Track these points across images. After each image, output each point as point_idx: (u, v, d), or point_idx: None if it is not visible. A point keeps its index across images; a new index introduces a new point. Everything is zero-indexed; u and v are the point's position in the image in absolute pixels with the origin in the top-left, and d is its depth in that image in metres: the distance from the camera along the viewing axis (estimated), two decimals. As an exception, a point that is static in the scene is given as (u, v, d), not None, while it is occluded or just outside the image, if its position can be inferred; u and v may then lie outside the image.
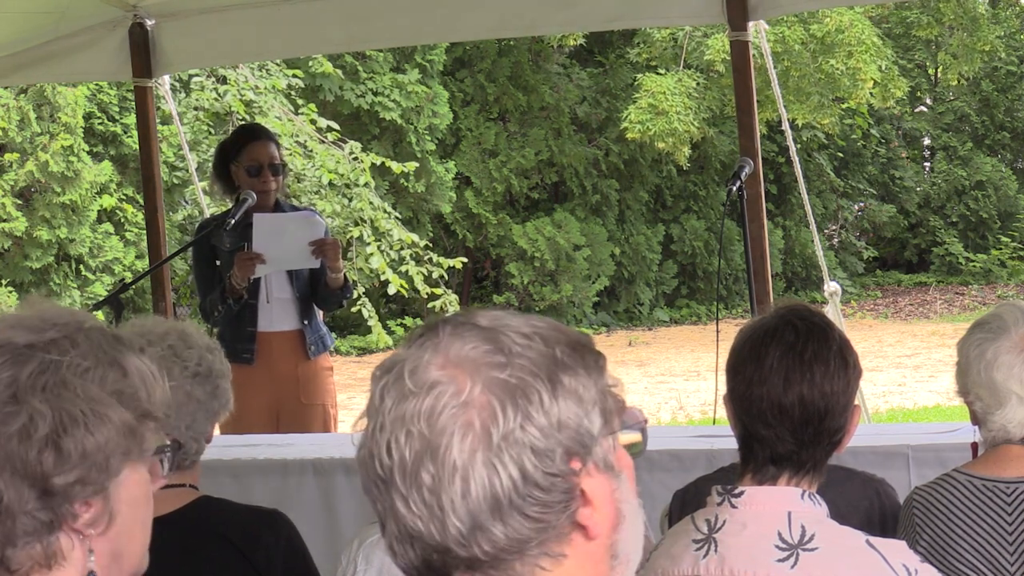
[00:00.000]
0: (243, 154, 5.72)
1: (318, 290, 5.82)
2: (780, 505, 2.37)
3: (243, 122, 14.48)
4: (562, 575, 1.44)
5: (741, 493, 2.40)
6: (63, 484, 1.63)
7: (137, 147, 8.20)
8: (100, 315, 6.19)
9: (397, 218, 15.64)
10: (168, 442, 1.77)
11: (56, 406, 1.63)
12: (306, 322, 5.81)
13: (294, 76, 16.46)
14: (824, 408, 2.47)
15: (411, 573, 1.46)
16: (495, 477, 1.40)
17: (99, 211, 16.63)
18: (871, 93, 20.17)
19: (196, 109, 15.61)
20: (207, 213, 7.94)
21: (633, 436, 1.52)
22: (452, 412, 1.40)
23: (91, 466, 1.64)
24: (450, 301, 15.27)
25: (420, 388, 1.42)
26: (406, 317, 19.47)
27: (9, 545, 1.63)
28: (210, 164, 6.61)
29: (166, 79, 6.63)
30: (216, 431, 3.03)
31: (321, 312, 5.96)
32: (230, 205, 5.81)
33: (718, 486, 2.44)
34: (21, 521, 1.62)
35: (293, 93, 16.69)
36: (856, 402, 2.56)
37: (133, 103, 8.20)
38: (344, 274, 5.76)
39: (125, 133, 16.77)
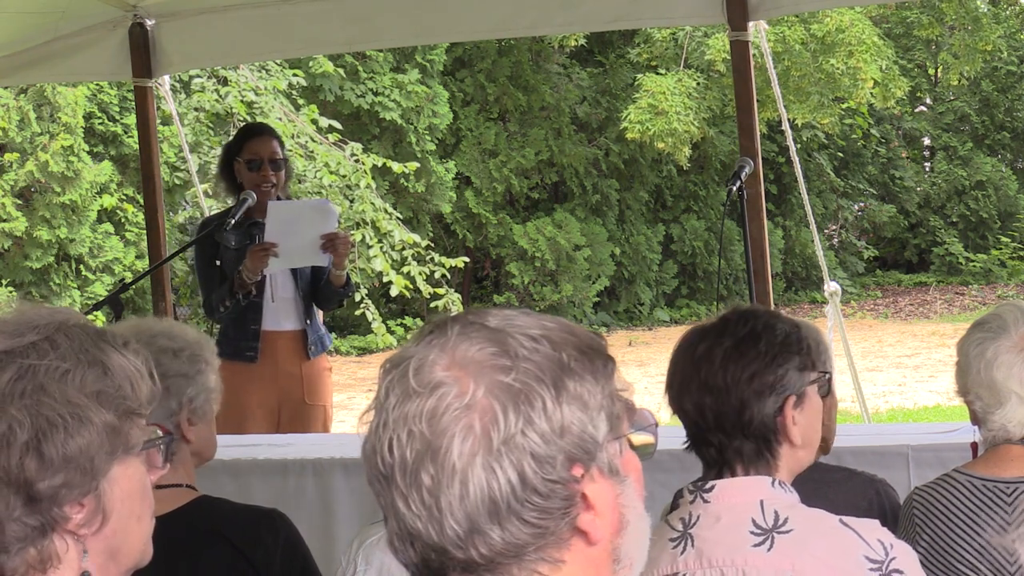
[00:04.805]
0: (244, 149, 5.71)
1: (320, 288, 5.80)
2: (752, 495, 2.38)
3: (244, 123, 14.48)
4: None
5: (712, 488, 2.41)
6: (48, 489, 1.63)
7: (137, 147, 8.20)
8: (100, 315, 6.19)
9: (398, 218, 15.64)
10: (160, 434, 1.77)
11: (35, 412, 1.64)
12: (308, 322, 5.80)
13: (294, 75, 16.45)
14: (716, 404, 2.44)
15: (411, 570, 1.46)
16: (493, 481, 1.39)
17: (99, 211, 16.62)
18: (871, 93, 20.16)
19: (197, 110, 15.61)
20: (208, 214, 7.93)
21: (646, 438, 1.51)
22: (454, 414, 1.40)
23: (75, 469, 1.64)
24: (453, 300, 15.26)
25: (424, 388, 1.42)
26: (407, 317, 19.46)
27: (2, 552, 1.63)
28: (211, 165, 6.60)
29: (166, 79, 6.64)
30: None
31: (321, 312, 5.94)
32: (231, 204, 5.80)
33: (688, 485, 2.45)
34: (11, 528, 1.63)
35: (294, 93, 16.68)
36: (800, 389, 2.45)
37: (133, 103, 8.20)
38: (346, 272, 5.75)
39: (125, 133, 16.76)
